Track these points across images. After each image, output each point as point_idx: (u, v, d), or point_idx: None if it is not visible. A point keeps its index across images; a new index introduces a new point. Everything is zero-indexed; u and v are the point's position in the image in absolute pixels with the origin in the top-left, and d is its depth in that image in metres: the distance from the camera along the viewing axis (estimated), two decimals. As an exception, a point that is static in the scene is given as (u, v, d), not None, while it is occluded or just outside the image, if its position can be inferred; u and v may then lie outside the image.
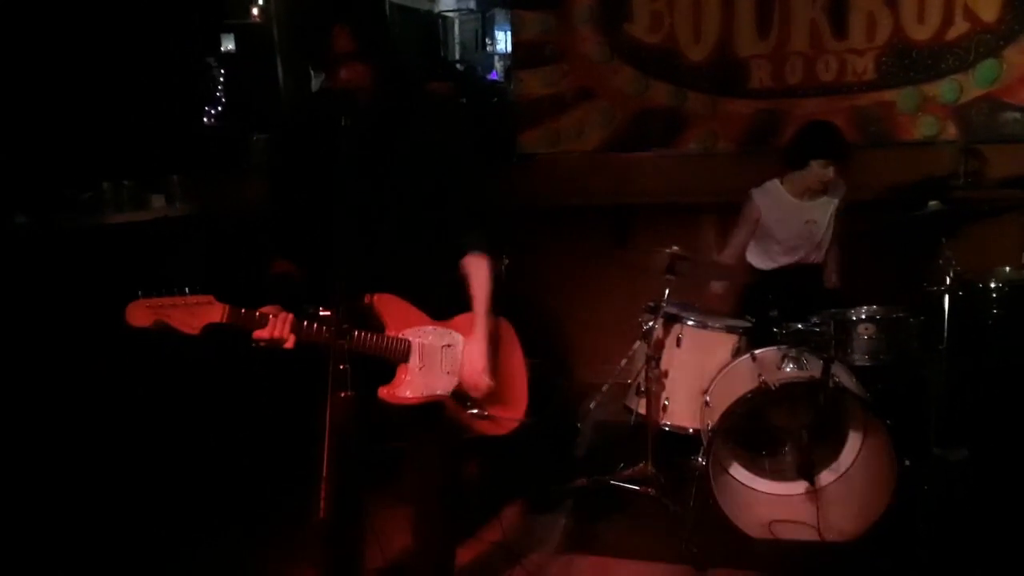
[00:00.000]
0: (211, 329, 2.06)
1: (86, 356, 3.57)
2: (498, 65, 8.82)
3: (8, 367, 3.38)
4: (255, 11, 6.16)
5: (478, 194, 2.45)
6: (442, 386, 2.38)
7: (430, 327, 2.37)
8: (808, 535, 3.28)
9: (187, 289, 2.06)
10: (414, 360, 2.33)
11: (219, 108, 6.18)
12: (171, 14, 4.72)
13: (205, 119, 6.04)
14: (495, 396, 2.47)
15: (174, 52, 4.78)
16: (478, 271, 2.42)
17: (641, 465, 3.63)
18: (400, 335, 2.32)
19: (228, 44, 6.35)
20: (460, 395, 2.42)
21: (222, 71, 6.26)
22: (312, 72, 2.33)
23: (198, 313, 2.04)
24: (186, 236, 4.08)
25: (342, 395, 1.99)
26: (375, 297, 2.29)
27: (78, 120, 4.00)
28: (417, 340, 2.34)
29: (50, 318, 3.53)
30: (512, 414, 2.54)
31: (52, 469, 3.39)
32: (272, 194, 2.42)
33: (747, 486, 3.58)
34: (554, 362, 2.58)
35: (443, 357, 2.39)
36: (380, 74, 2.21)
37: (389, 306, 2.32)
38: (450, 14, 9.51)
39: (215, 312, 2.06)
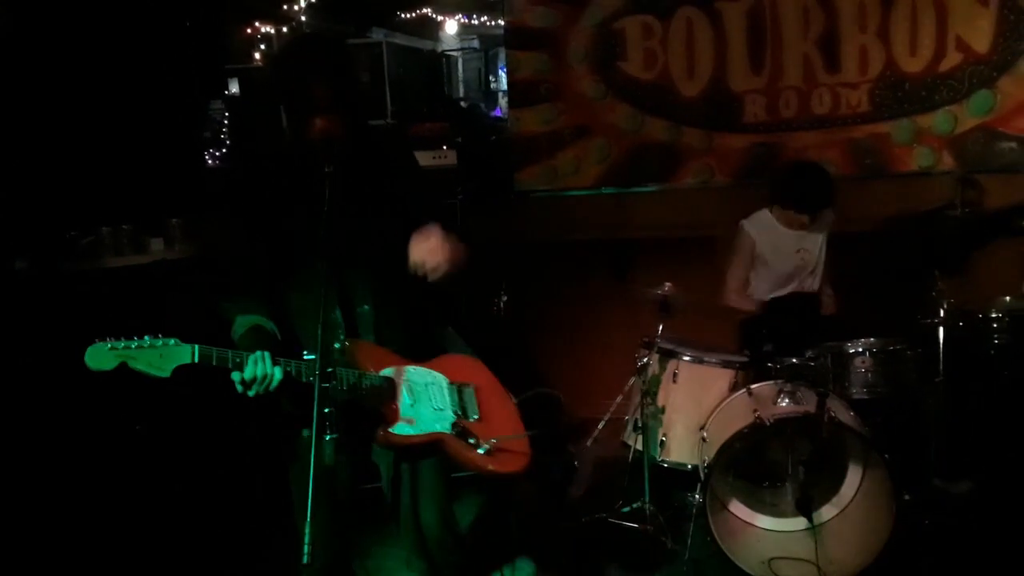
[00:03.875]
0: (184, 371, 2.01)
1: (85, 400, 3.58)
2: (502, 102, 8.92)
3: (7, 409, 3.41)
4: (258, 56, 6.28)
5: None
6: (440, 423, 2.33)
7: (409, 367, 2.36)
8: (808, 572, 3.24)
9: (147, 337, 1.99)
10: (402, 397, 2.30)
11: (223, 150, 6.26)
12: (172, 60, 4.80)
13: (209, 161, 6.12)
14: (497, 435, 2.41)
15: (175, 97, 4.85)
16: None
17: (639, 503, 3.61)
18: (379, 373, 2.30)
19: (232, 88, 6.46)
20: (463, 433, 2.34)
21: (226, 114, 6.36)
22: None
23: (166, 355, 1.99)
24: (184, 279, 4.10)
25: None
26: (349, 343, 2.27)
27: (78, 165, 4.06)
28: (399, 378, 2.31)
29: (49, 361, 3.54)
30: (517, 449, 2.43)
31: (41, 512, 3.41)
32: (240, 241, 2.35)
33: (746, 522, 3.54)
34: (545, 394, 2.48)
35: (430, 394, 2.36)
36: (352, 123, 2.26)
37: (365, 350, 2.30)
38: (453, 53, 9.64)
39: (184, 353, 2.00)
